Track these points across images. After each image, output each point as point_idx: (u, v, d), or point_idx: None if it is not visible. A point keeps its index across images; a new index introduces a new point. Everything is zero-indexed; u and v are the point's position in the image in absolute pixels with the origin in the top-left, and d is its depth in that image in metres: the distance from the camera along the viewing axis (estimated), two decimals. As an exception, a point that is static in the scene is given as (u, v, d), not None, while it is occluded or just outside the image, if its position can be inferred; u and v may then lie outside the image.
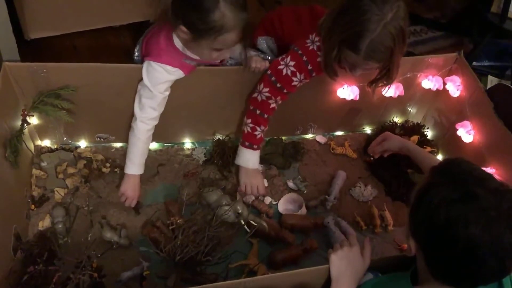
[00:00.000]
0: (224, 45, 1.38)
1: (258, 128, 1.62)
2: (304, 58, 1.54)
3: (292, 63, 1.55)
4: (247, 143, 1.64)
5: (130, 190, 1.55)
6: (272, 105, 1.61)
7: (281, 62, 1.56)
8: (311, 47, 1.54)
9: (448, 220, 0.92)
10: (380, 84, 1.60)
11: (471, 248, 0.91)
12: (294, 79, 1.56)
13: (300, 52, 1.54)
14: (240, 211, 1.54)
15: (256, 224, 1.52)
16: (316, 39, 1.53)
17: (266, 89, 1.58)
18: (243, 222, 1.52)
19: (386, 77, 1.54)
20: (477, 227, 0.90)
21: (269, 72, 1.58)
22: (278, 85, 1.57)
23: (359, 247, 1.24)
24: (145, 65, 1.46)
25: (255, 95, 1.61)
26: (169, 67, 1.46)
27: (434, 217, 0.94)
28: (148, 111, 1.50)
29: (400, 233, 1.67)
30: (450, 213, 0.93)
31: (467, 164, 1.01)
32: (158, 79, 1.46)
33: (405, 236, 1.07)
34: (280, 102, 1.62)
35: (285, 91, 1.59)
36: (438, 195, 0.96)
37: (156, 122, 1.54)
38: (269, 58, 1.68)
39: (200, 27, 1.31)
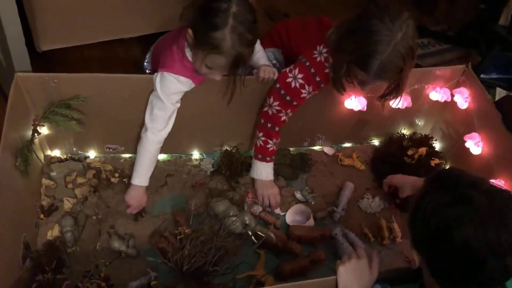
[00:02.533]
0: (213, 65, 1.40)
1: (270, 141, 1.64)
2: (312, 70, 1.55)
3: (300, 75, 1.56)
4: (260, 156, 1.66)
5: (133, 200, 1.56)
6: (283, 118, 1.62)
7: (289, 75, 1.57)
8: (318, 59, 1.54)
9: (443, 224, 0.93)
10: (389, 98, 1.60)
11: (469, 249, 0.91)
12: (303, 91, 1.57)
13: (308, 63, 1.55)
14: (247, 222, 1.54)
15: (263, 235, 1.52)
16: (324, 50, 1.54)
17: (276, 103, 1.59)
18: (250, 233, 1.52)
19: (396, 91, 1.55)
20: (471, 227, 0.90)
21: (277, 85, 1.59)
22: (288, 98, 1.58)
23: (367, 259, 1.24)
24: (158, 76, 1.47)
25: (265, 109, 1.62)
26: (181, 78, 1.47)
27: (430, 223, 0.95)
28: (159, 122, 1.51)
29: (408, 245, 1.65)
30: (444, 217, 0.94)
31: (459, 170, 1.04)
32: (171, 89, 1.47)
33: (409, 249, 1.06)
34: (290, 114, 1.63)
35: (294, 103, 1.60)
36: (431, 202, 0.97)
37: (165, 136, 1.54)
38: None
39: (201, 37, 1.34)
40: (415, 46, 1.40)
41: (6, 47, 1.60)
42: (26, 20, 1.86)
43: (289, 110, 1.61)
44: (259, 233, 1.53)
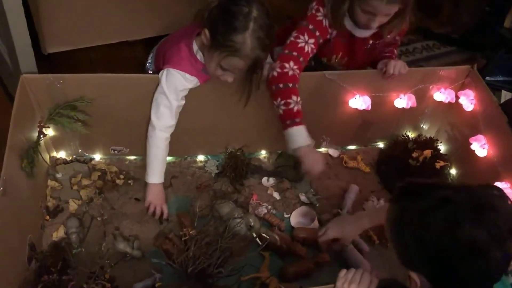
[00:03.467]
0: (230, 67, 1.41)
1: (290, 101, 1.51)
2: (304, 22, 1.56)
3: (295, 33, 1.57)
4: (288, 122, 1.53)
5: (154, 198, 1.58)
6: (290, 73, 1.52)
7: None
8: (309, 13, 1.57)
9: (440, 229, 0.91)
10: (391, 28, 1.58)
11: (474, 243, 0.90)
12: (299, 40, 1.55)
13: (304, 22, 1.57)
14: (252, 223, 1.54)
15: (267, 237, 1.52)
16: (313, 3, 1.56)
17: (277, 61, 1.55)
18: (255, 235, 1.52)
19: (399, 19, 1.53)
20: (468, 222, 0.90)
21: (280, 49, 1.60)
22: (286, 51, 1.56)
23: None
24: (164, 72, 1.48)
25: (269, 75, 1.56)
26: (187, 75, 1.48)
27: (425, 235, 0.92)
28: (166, 119, 1.51)
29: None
30: (438, 222, 0.91)
31: (419, 180, 1.02)
32: (177, 86, 1.48)
33: (400, 274, 1.03)
34: (297, 69, 1.54)
35: (294, 53, 1.55)
36: (414, 215, 0.94)
37: (172, 130, 1.55)
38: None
39: (220, 39, 1.35)
40: None
41: (13, 49, 1.60)
42: (32, 22, 1.87)
43: (291, 63, 1.53)
44: (264, 235, 1.53)
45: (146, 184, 1.60)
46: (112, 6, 2.15)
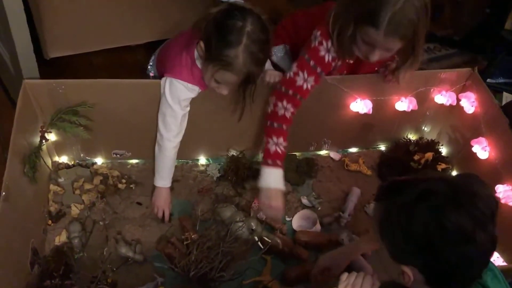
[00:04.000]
0: (223, 81, 1.41)
1: (270, 140, 1.52)
2: (306, 56, 1.51)
3: (295, 68, 1.53)
4: (263, 159, 1.54)
5: (159, 201, 1.60)
6: (280, 112, 1.51)
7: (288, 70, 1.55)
8: (313, 44, 1.49)
9: (426, 220, 0.93)
10: (404, 68, 1.49)
11: (460, 228, 0.91)
12: (297, 78, 1.51)
13: (306, 56, 1.51)
14: (254, 227, 1.55)
15: (269, 241, 1.52)
16: (318, 33, 1.48)
17: (273, 98, 1.54)
18: (256, 239, 1.52)
19: (412, 58, 1.44)
20: (451, 210, 0.91)
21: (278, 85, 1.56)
22: (283, 89, 1.53)
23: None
24: (167, 83, 1.48)
25: (267, 109, 1.57)
26: (189, 85, 1.48)
27: (412, 228, 0.94)
28: (172, 129, 1.52)
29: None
30: (422, 214, 0.93)
31: (401, 178, 1.03)
32: (180, 96, 1.48)
33: (394, 274, 1.04)
34: (290, 107, 1.52)
35: (290, 92, 1.51)
36: (399, 210, 0.96)
37: (181, 136, 1.56)
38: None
39: (213, 53, 1.34)
40: (428, 4, 1.31)
41: (15, 54, 1.61)
42: (34, 27, 1.88)
43: (285, 102, 1.51)
44: (266, 238, 1.53)
45: (153, 186, 1.63)
46: (113, 11, 2.16)
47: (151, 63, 1.72)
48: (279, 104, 1.52)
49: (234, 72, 1.35)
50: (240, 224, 1.53)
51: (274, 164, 1.52)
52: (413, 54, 1.44)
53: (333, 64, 1.54)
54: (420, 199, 0.95)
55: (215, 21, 1.33)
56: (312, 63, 1.50)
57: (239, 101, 1.55)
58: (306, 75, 1.51)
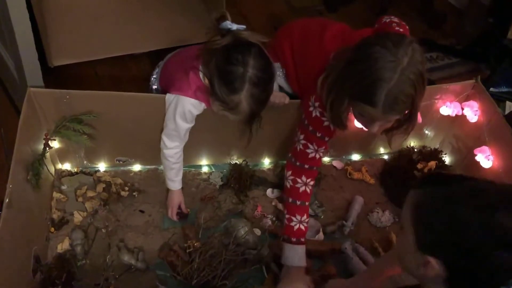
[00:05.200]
0: (230, 117, 1.42)
1: (293, 218, 1.53)
2: (310, 128, 1.51)
3: (302, 139, 1.54)
4: (285, 236, 1.53)
5: (171, 201, 1.65)
6: (302, 189, 1.55)
7: (296, 139, 1.56)
8: (314, 114, 1.49)
9: (472, 217, 0.91)
10: (398, 133, 1.43)
11: (507, 232, 0.90)
12: (308, 151, 1.53)
13: (306, 122, 1.52)
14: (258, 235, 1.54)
15: (276, 271, 1.52)
16: (317, 104, 1.47)
17: (289, 172, 1.57)
18: (264, 268, 1.53)
19: (407, 124, 1.39)
20: (501, 213, 0.90)
21: (289, 155, 1.58)
22: (297, 163, 1.55)
23: None
24: (174, 99, 1.47)
25: (284, 183, 1.59)
26: (197, 102, 1.48)
27: (455, 221, 0.92)
28: (177, 140, 1.54)
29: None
30: (469, 210, 0.92)
31: (446, 172, 1.04)
32: (185, 112, 1.48)
33: (412, 264, 1.02)
34: (310, 181, 1.55)
35: (306, 166, 1.54)
36: (443, 200, 0.95)
37: (183, 145, 1.58)
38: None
39: (218, 94, 1.35)
40: (424, 72, 1.25)
41: (20, 62, 1.62)
42: (39, 35, 1.89)
43: (303, 177, 1.54)
44: (273, 269, 1.53)
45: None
46: (117, 20, 2.18)
47: (154, 76, 1.71)
48: (299, 180, 1.55)
49: (238, 114, 1.37)
50: (243, 232, 1.53)
51: (299, 243, 1.52)
52: (409, 121, 1.38)
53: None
54: (469, 195, 0.93)
55: (217, 65, 1.33)
56: (318, 134, 1.51)
57: (244, 134, 1.54)
58: (316, 147, 1.53)
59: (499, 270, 0.91)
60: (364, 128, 1.43)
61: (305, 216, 1.55)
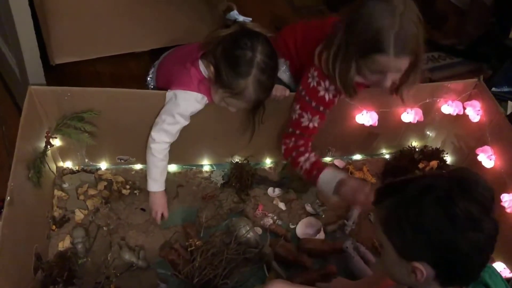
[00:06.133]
0: (233, 105, 1.43)
1: (299, 165, 1.57)
2: (307, 98, 1.54)
3: (298, 109, 1.56)
4: (311, 179, 1.55)
5: (156, 205, 1.58)
6: (291, 145, 1.59)
7: (291, 110, 1.59)
8: (311, 84, 1.51)
9: (435, 212, 0.94)
10: (408, 85, 1.49)
11: (469, 214, 0.93)
12: (302, 119, 1.56)
13: (307, 98, 1.54)
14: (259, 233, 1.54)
15: (277, 270, 1.52)
16: (315, 73, 1.50)
17: (282, 140, 1.59)
18: (265, 267, 1.52)
19: (413, 73, 1.43)
20: (460, 198, 0.93)
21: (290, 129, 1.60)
22: (290, 129, 1.58)
23: None
24: (174, 95, 1.47)
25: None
26: (199, 96, 1.47)
27: (421, 221, 0.95)
28: (168, 136, 1.52)
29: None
30: (430, 206, 0.94)
31: (396, 179, 1.05)
32: (188, 108, 1.48)
33: (403, 274, 1.04)
34: (301, 142, 1.58)
35: (297, 132, 1.58)
36: (405, 206, 0.97)
37: (169, 143, 1.55)
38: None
39: (224, 81, 1.36)
40: (420, 15, 1.34)
41: (22, 60, 1.62)
42: (40, 33, 1.89)
43: (302, 142, 1.58)
44: (275, 267, 1.52)
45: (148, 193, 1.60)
46: (119, 18, 2.18)
47: (150, 75, 1.72)
48: (287, 141, 1.59)
49: (244, 100, 1.38)
50: (244, 231, 1.53)
51: (319, 171, 1.52)
52: (414, 70, 1.43)
53: (335, 99, 1.55)
54: (425, 193, 0.96)
55: (225, 49, 1.35)
56: (313, 104, 1.53)
57: (249, 125, 1.56)
58: (310, 116, 1.55)
59: (478, 251, 0.95)
60: (378, 88, 1.45)
61: (306, 156, 1.55)
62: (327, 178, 1.51)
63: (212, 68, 1.39)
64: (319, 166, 1.53)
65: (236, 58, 1.33)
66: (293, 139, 1.59)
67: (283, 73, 1.72)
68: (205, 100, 1.49)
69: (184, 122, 1.51)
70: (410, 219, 0.96)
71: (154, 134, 1.52)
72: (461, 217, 0.92)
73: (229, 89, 1.36)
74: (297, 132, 1.58)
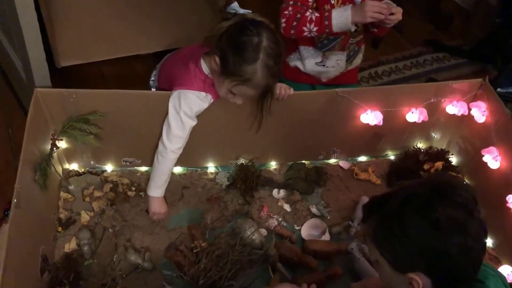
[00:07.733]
0: (240, 94, 1.43)
1: (307, 21, 1.59)
2: None
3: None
4: (326, 23, 1.58)
5: (158, 210, 1.60)
6: (291, 11, 1.61)
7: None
8: None
9: (417, 222, 0.95)
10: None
11: (451, 219, 0.94)
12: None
13: None
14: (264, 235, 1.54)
15: (282, 271, 1.52)
16: None
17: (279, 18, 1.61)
18: (270, 268, 1.52)
19: None
20: (439, 204, 0.95)
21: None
22: (283, 4, 1.62)
23: None
24: (178, 96, 1.47)
25: (282, 30, 1.62)
26: (203, 94, 1.48)
27: (407, 232, 0.96)
28: (178, 141, 1.52)
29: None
30: (412, 217, 0.95)
31: (377, 195, 1.07)
32: (193, 107, 1.48)
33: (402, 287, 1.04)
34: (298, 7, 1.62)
35: (291, 2, 1.61)
36: (389, 220, 0.98)
37: (182, 149, 1.56)
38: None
39: (231, 69, 1.36)
40: None
41: (28, 63, 1.63)
42: (46, 36, 1.90)
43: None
44: (280, 269, 1.52)
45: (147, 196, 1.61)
46: (124, 21, 2.19)
47: (152, 78, 1.72)
48: (286, 12, 1.61)
49: (253, 86, 1.38)
50: (249, 232, 1.53)
51: (329, 12, 1.58)
52: None
53: None
54: (405, 204, 0.97)
55: (230, 37, 1.35)
56: None
57: (257, 114, 1.56)
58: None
59: (468, 253, 0.95)
60: None
61: (308, 12, 1.59)
62: (339, 10, 1.56)
63: (217, 59, 1.38)
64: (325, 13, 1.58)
65: (242, 43, 1.33)
66: (290, 8, 1.61)
67: None
68: (209, 98, 1.50)
69: (192, 122, 1.51)
70: (395, 233, 0.97)
71: (167, 142, 1.52)
72: (444, 223, 0.93)
73: (237, 76, 1.36)
74: (291, 2, 1.61)
